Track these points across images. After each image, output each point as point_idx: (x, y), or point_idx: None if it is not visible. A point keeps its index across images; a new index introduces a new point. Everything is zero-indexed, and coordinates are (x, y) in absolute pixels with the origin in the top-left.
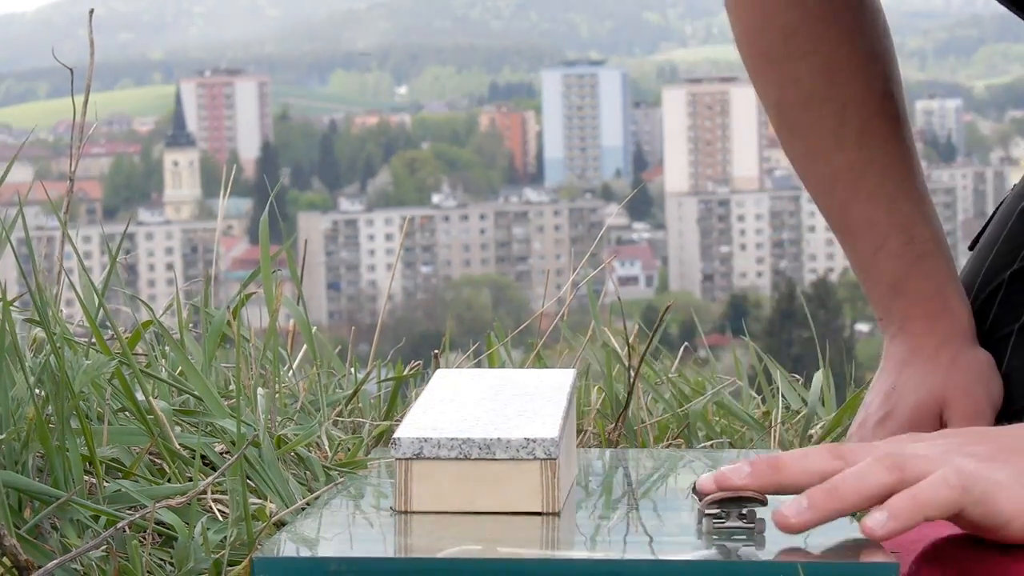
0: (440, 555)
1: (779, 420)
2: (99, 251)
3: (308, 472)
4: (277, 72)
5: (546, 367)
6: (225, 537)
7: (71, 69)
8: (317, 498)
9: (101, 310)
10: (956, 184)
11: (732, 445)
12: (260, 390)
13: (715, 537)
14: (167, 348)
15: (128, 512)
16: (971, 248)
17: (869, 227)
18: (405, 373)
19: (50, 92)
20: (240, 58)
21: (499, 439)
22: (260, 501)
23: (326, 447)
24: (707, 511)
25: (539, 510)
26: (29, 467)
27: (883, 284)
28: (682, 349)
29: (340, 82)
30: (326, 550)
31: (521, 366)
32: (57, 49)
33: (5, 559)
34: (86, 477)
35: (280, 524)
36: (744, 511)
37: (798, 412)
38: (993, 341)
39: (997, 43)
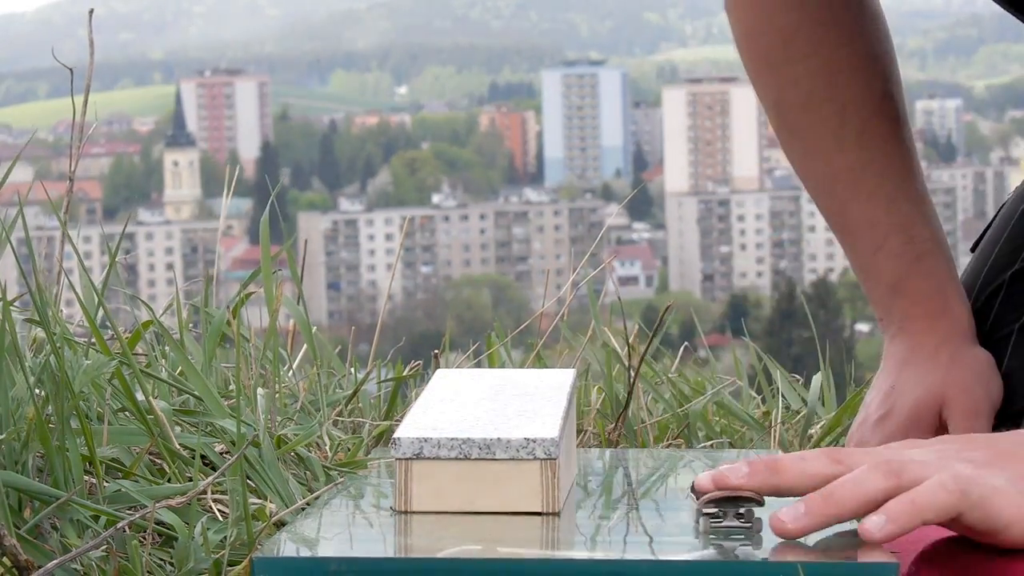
0: (440, 555)
1: (779, 420)
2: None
3: (308, 472)
4: (277, 72)
5: (546, 367)
6: (225, 537)
7: (71, 69)
8: (317, 498)
9: (101, 310)
10: (956, 184)
11: (732, 445)
12: (260, 390)
13: (712, 536)
14: (167, 348)
15: (128, 512)
16: (973, 250)
17: (869, 227)
18: (405, 373)
19: (50, 92)
20: (240, 58)
21: (499, 439)
22: (260, 501)
23: (326, 447)
24: (704, 510)
25: (539, 510)
26: (29, 467)
27: (883, 284)
28: (682, 349)
29: (340, 82)
30: (326, 550)
31: (521, 366)
32: (57, 49)
33: (5, 559)
34: (86, 477)
35: (280, 524)
36: (741, 511)
37: (798, 412)
38: (993, 341)
39: (997, 43)
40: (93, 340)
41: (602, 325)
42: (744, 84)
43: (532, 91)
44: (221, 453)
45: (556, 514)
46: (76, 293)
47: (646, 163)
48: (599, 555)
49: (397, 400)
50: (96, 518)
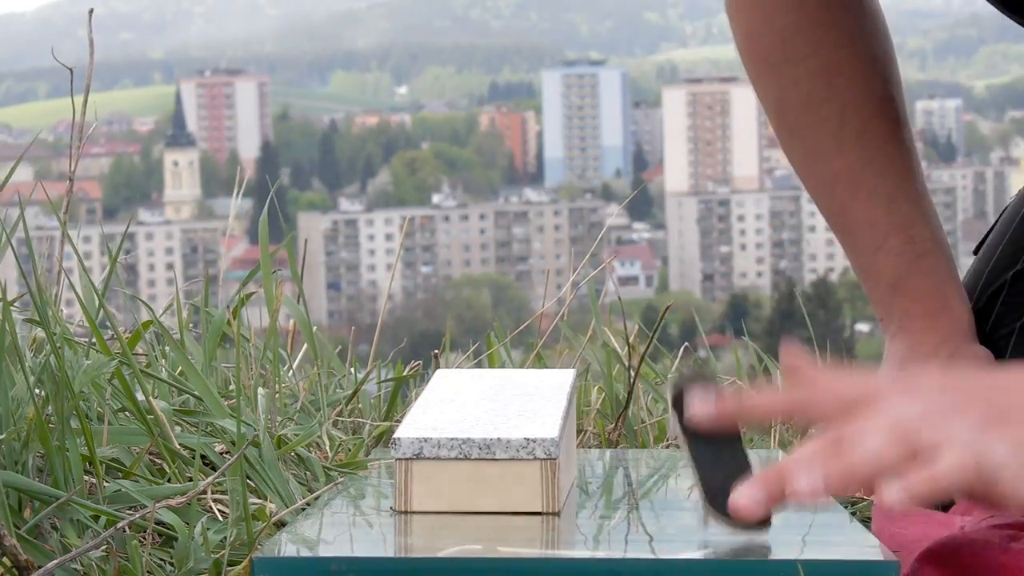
0: (440, 555)
1: (779, 420)
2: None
3: (308, 472)
4: (277, 72)
5: (546, 367)
6: (225, 537)
7: (71, 69)
8: (317, 498)
9: (101, 310)
10: (956, 184)
11: None
12: (260, 390)
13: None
14: (167, 348)
15: (128, 512)
16: (975, 252)
17: (869, 227)
18: (405, 373)
19: (50, 92)
20: (240, 58)
21: (499, 439)
22: (260, 501)
23: (326, 447)
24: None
25: (539, 510)
26: (29, 467)
27: (883, 283)
28: (682, 349)
29: (340, 82)
30: (326, 550)
31: (521, 366)
32: (57, 49)
33: (5, 559)
34: (86, 477)
35: (280, 524)
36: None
37: None
38: (994, 340)
39: (997, 43)
40: (93, 340)
41: (602, 325)
42: (744, 84)
43: (532, 91)
44: (221, 453)
45: (556, 514)
46: (76, 293)
47: (646, 163)
48: (599, 555)
49: (397, 400)
50: (96, 518)
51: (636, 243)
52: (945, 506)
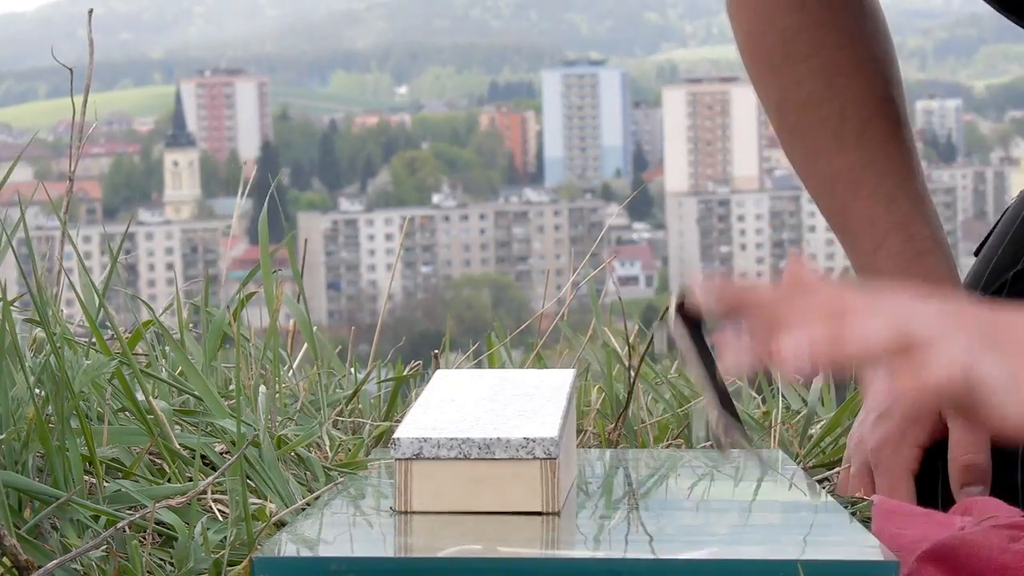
0: (440, 555)
1: (779, 420)
2: (99, 251)
3: (308, 472)
4: (277, 72)
5: (546, 367)
6: (225, 537)
7: (71, 69)
8: (317, 498)
9: (101, 310)
10: (956, 184)
11: (732, 445)
12: (260, 390)
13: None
14: (167, 348)
15: (128, 512)
16: (976, 254)
17: (869, 226)
18: (405, 373)
19: (50, 92)
20: (240, 58)
21: (499, 439)
22: (260, 501)
23: (326, 447)
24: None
25: (539, 510)
26: (29, 467)
27: (883, 282)
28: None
29: (340, 82)
30: (326, 550)
31: (521, 366)
32: (57, 49)
33: (5, 559)
34: (86, 477)
35: (280, 524)
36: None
37: (798, 412)
38: None
39: (997, 43)
40: (93, 340)
41: (602, 325)
42: (744, 84)
43: (532, 91)
44: (221, 453)
45: (556, 514)
46: (76, 293)
47: (646, 163)
48: (599, 554)
49: (397, 400)
50: (96, 518)
51: (636, 243)
52: (945, 506)
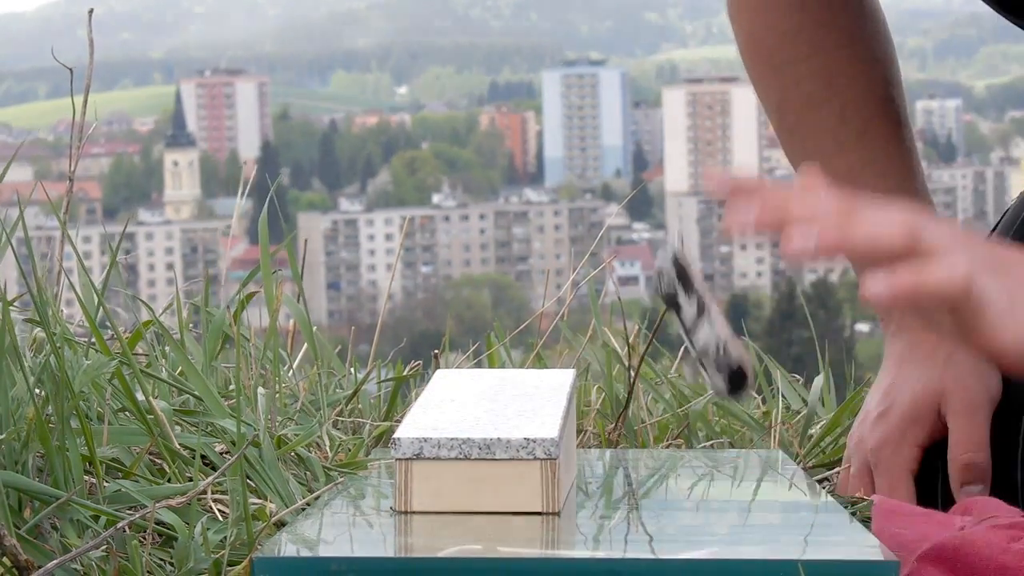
0: (440, 555)
1: (779, 420)
2: (99, 251)
3: (308, 472)
4: (277, 72)
5: (546, 367)
6: (225, 537)
7: (71, 69)
8: (317, 498)
9: (101, 310)
10: (956, 184)
11: (732, 445)
12: (260, 390)
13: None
14: (167, 348)
15: (128, 512)
16: None
17: None
18: (405, 373)
19: (50, 92)
20: (240, 58)
21: (499, 439)
22: (260, 501)
23: (326, 447)
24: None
25: (539, 510)
26: (29, 467)
27: None
28: (682, 349)
29: (340, 82)
30: (326, 550)
31: (521, 366)
32: (57, 49)
33: (5, 559)
34: (86, 477)
35: (280, 524)
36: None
37: (798, 412)
38: None
39: (997, 43)
40: (93, 340)
41: (602, 325)
42: (744, 84)
43: (532, 91)
44: (221, 453)
45: (556, 514)
46: (76, 293)
47: (646, 163)
48: (599, 555)
49: (397, 400)
50: (96, 518)
51: (636, 243)
52: (945, 506)
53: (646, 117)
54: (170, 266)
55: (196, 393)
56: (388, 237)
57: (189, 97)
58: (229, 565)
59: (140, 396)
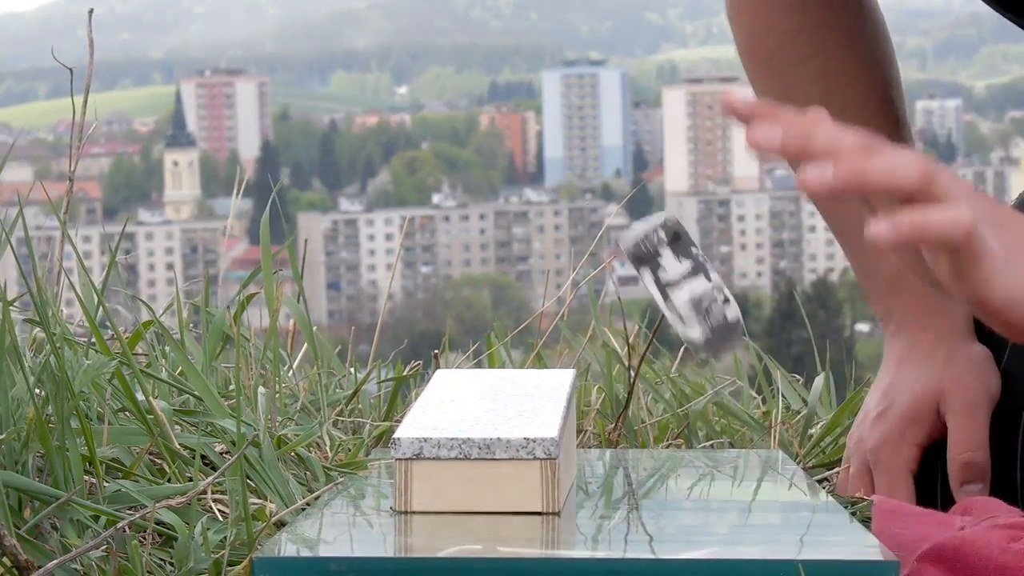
0: (440, 555)
1: (779, 420)
2: (99, 251)
3: (308, 472)
4: (277, 72)
5: (546, 367)
6: (225, 537)
7: (71, 69)
8: (317, 498)
9: (101, 310)
10: None
11: (732, 445)
12: (260, 390)
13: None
14: (167, 348)
15: (128, 512)
16: None
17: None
18: (405, 373)
19: (50, 92)
20: (240, 58)
21: (499, 439)
22: (260, 501)
23: (326, 447)
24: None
25: (539, 510)
26: (29, 467)
27: (882, 282)
28: (682, 349)
29: (340, 82)
30: (326, 550)
31: (521, 366)
32: (57, 49)
33: (5, 559)
34: (86, 477)
35: (280, 524)
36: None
37: (798, 412)
38: (993, 340)
39: (997, 43)
40: (93, 340)
41: (602, 325)
42: (745, 84)
43: (532, 91)
44: (221, 453)
45: (556, 514)
46: (76, 293)
47: (646, 163)
48: (599, 555)
49: (397, 400)
50: (96, 518)
51: None
52: (944, 505)
53: (646, 117)
54: (170, 266)
55: (196, 393)
56: (388, 237)
57: (189, 97)
58: (229, 565)
59: (140, 396)
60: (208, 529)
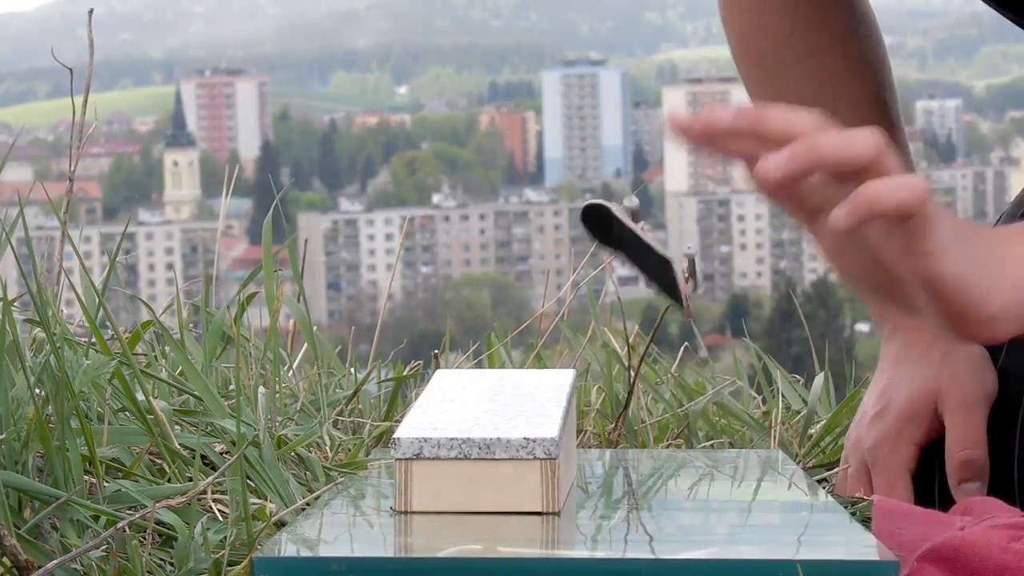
0: (440, 555)
1: (779, 420)
2: (99, 251)
3: (308, 472)
4: (277, 72)
5: (546, 367)
6: (225, 537)
7: (71, 69)
8: (317, 498)
9: (101, 310)
10: (956, 184)
11: (732, 445)
12: (260, 390)
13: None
14: (167, 348)
15: (128, 512)
16: None
17: None
18: (405, 373)
19: (50, 92)
20: (240, 58)
21: (499, 439)
22: (260, 501)
23: (326, 447)
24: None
25: (539, 510)
26: (29, 467)
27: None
28: (682, 349)
29: (340, 82)
30: (326, 550)
31: (521, 366)
32: (57, 49)
33: (5, 559)
34: (86, 477)
35: (280, 524)
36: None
37: (798, 412)
38: None
39: (997, 43)
40: (93, 340)
41: (602, 325)
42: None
43: (532, 91)
44: (221, 453)
45: (556, 514)
46: (76, 293)
47: (646, 163)
48: (599, 555)
49: (397, 400)
50: (96, 518)
51: None
52: (943, 505)
53: (646, 117)
54: (170, 266)
55: (196, 393)
56: (388, 237)
57: (189, 97)
58: (229, 565)
59: (140, 396)
60: (208, 529)
